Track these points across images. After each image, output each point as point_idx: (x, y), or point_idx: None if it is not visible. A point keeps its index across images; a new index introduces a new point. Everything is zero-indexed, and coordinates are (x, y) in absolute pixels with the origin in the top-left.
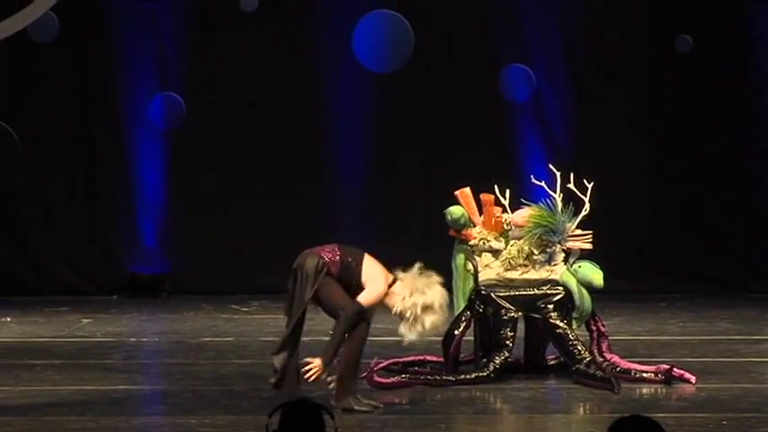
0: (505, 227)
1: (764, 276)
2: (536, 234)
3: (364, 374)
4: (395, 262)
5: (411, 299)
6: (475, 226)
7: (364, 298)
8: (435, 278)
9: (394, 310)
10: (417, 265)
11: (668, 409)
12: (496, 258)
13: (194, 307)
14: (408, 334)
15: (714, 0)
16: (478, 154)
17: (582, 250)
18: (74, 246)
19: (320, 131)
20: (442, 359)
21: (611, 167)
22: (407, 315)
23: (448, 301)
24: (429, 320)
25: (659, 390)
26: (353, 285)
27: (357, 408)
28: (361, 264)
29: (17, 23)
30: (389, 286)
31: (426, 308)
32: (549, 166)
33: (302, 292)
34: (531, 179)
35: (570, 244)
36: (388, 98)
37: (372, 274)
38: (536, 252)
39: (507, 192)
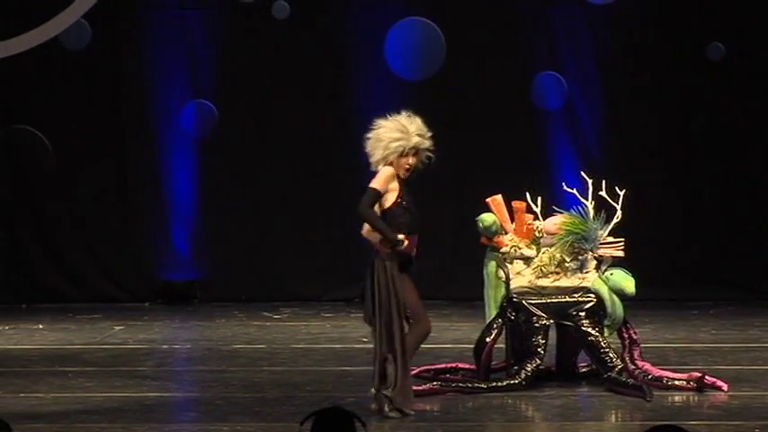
0: (537, 234)
1: None
2: (568, 241)
3: None
4: (427, 270)
5: None
6: (506, 233)
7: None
8: None
9: None
10: None
11: (700, 417)
12: (528, 266)
13: (226, 314)
14: None
15: (746, 7)
16: (510, 161)
17: (614, 258)
18: (106, 253)
19: (352, 139)
20: (473, 366)
21: (643, 175)
22: None
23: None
24: None
25: (691, 397)
26: None
27: (406, 412)
28: None
29: (49, 31)
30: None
31: None
32: (580, 174)
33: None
34: (562, 187)
35: (602, 251)
36: (420, 105)
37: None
38: (568, 259)
39: (539, 199)
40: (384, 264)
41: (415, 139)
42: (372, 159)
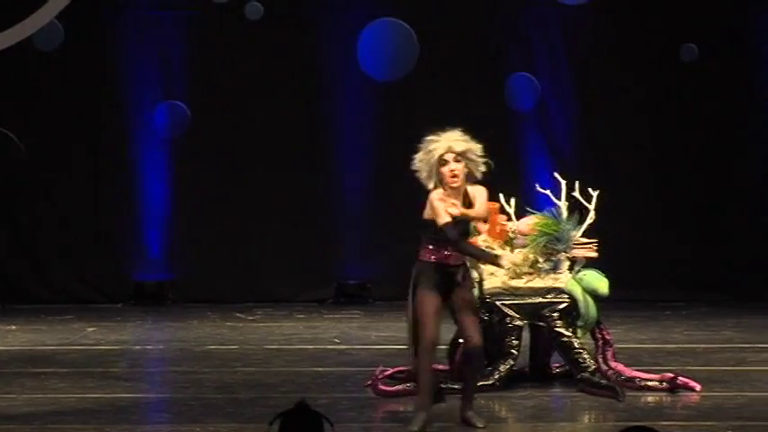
0: (510, 235)
1: None
2: (541, 242)
3: (369, 383)
4: (401, 271)
5: None
6: (480, 234)
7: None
8: None
9: None
10: None
11: (673, 417)
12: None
13: (199, 315)
14: None
15: (719, 9)
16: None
17: (587, 258)
18: (79, 254)
19: (324, 138)
20: (447, 367)
21: (616, 176)
22: None
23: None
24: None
25: (664, 398)
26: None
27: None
28: None
29: (22, 32)
30: None
31: None
32: (553, 175)
33: None
34: (536, 188)
35: (575, 252)
36: (392, 106)
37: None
38: (541, 260)
39: (512, 200)
40: (413, 272)
41: (448, 143)
42: (422, 177)
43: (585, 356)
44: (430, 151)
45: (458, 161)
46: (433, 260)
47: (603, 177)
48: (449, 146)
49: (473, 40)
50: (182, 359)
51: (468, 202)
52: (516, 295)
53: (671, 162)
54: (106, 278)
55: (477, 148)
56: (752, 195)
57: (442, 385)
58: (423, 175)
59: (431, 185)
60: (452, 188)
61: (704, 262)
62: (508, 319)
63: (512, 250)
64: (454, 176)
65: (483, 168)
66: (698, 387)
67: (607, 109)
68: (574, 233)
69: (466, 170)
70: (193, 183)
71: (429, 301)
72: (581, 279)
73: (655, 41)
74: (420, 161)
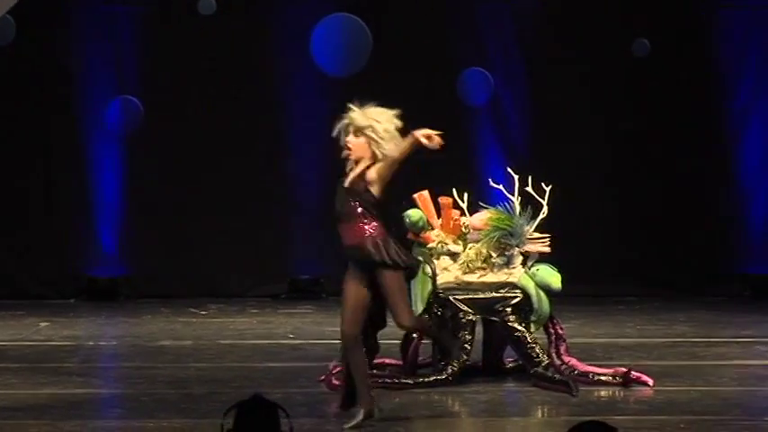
0: (464, 230)
1: (719, 281)
2: (494, 237)
3: (322, 378)
4: None
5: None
6: (433, 229)
7: None
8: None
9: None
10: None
11: (626, 411)
12: (455, 261)
13: (152, 310)
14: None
15: (671, 4)
16: (436, 157)
17: (540, 253)
18: (31, 249)
19: (277, 134)
20: (400, 362)
21: (569, 171)
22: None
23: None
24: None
25: (617, 392)
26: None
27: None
28: None
29: None
30: None
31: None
32: (507, 169)
33: None
34: (489, 182)
35: (528, 247)
36: (346, 101)
37: None
38: (494, 255)
39: (465, 195)
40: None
41: (351, 117)
42: None
43: (538, 351)
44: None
45: (357, 136)
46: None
47: (556, 173)
48: (351, 118)
49: (426, 35)
50: (135, 355)
51: (361, 179)
52: (469, 290)
53: (623, 158)
54: (59, 274)
55: (384, 127)
56: (703, 192)
57: (395, 380)
58: None
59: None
60: (348, 161)
61: (656, 258)
62: (461, 314)
63: (465, 245)
64: (347, 149)
65: (387, 148)
66: (650, 382)
67: (560, 104)
68: (527, 228)
69: (366, 145)
70: (146, 178)
71: (350, 287)
72: (534, 274)
73: (608, 36)
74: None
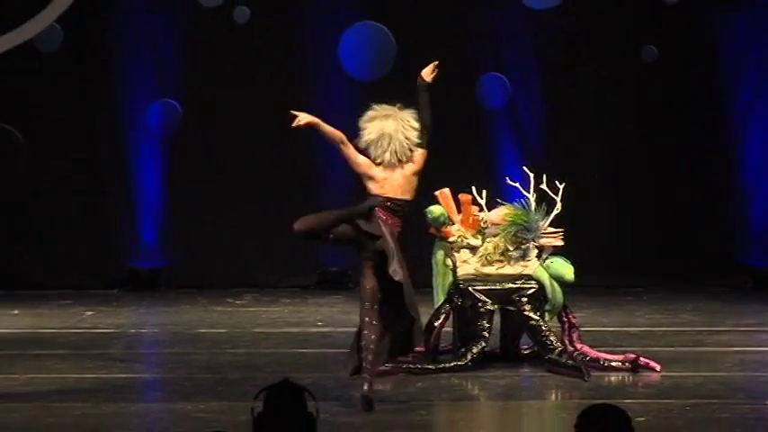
0: (482, 225)
1: (723, 273)
2: (511, 232)
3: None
4: None
5: None
6: (454, 224)
7: None
8: None
9: None
10: None
11: (635, 395)
12: (474, 254)
13: (190, 300)
14: None
15: (678, 11)
16: (457, 157)
17: (554, 247)
18: (77, 243)
19: (307, 132)
20: (423, 349)
21: (581, 170)
22: None
23: None
24: None
25: (626, 378)
26: None
27: None
28: None
29: (24, 34)
30: None
31: None
32: (523, 169)
33: None
34: (506, 180)
35: (543, 241)
36: (372, 103)
37: None
38: (511, 248)
39: (484, 192)
40: None
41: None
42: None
43: (552, 338)
44: None
45: None
46: None
47: (569, 171)
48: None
49: (448, 42)
50: (174, 341)
51: None
52: (488, 281)
53: (632, 157)
54: (103, 266)
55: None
56: (708, 189)
57: (418, 366)
58: None
59: None
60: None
61: (662, 251)
62: (480, 304)
63: (483, 239)
64: None
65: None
66: (658, 367)
67: (573, 107)
68: (542, 223)
69: None
70: (185, 176)
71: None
72: (548, 266)
73: (618, 42)
74: None
